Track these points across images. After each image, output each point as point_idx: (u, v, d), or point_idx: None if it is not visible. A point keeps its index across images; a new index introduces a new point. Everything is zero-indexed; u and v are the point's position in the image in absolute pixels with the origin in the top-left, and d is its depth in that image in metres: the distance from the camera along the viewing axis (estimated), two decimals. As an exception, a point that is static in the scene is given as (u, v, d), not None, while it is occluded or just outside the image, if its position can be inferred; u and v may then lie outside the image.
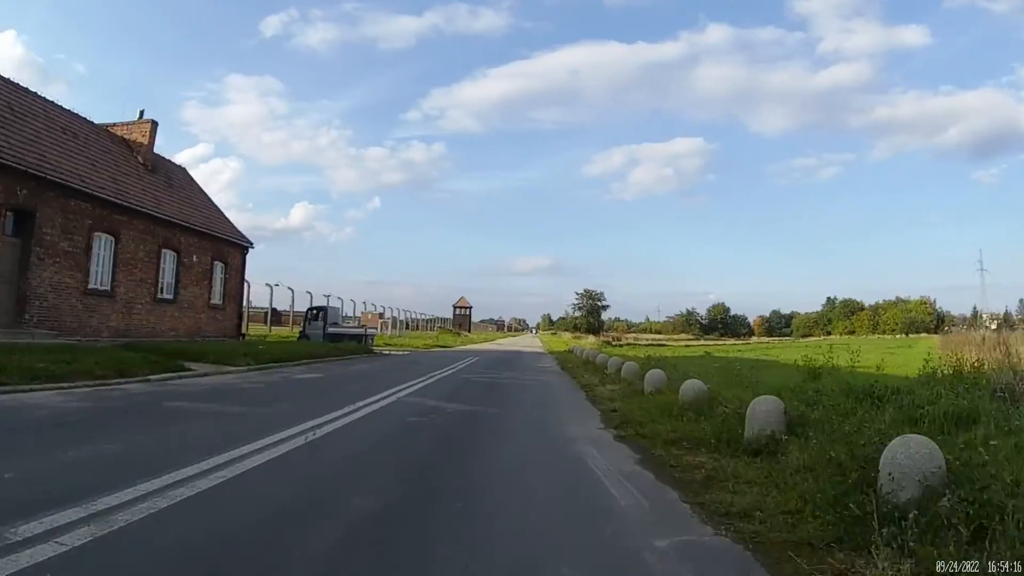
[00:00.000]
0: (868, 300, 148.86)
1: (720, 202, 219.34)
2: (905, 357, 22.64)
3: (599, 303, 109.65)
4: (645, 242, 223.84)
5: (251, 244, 31.34)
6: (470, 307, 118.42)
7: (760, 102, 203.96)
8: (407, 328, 72.58)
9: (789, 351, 59.52)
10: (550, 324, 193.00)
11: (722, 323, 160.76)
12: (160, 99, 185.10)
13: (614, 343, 60.37)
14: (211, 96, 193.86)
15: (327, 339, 30.49)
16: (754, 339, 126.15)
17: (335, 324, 32.12)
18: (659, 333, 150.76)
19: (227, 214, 30.43)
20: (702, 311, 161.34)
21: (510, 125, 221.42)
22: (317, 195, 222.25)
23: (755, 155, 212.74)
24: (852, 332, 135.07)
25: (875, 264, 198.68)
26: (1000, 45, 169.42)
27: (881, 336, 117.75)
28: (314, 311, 32.52)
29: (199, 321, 27.07)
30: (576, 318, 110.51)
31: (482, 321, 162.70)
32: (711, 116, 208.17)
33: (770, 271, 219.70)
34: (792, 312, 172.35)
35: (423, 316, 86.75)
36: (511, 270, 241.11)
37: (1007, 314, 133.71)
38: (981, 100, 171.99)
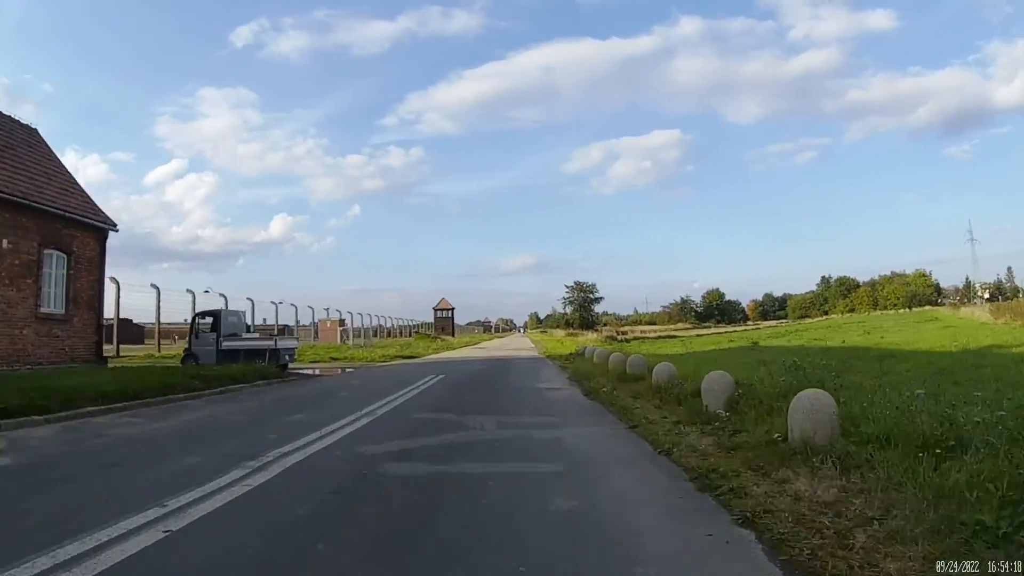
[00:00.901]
0: (861, 277, 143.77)
1: (700, 191, 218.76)
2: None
3: (591, 295, 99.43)
4: (628, 235, 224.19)
5: (114, 226, 21.26)
6: (452, 309, 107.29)
7: (735, 91, 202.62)
8: (383, 336, 62.17)
9: (821, 332, 49.75)
10: (538, 322, 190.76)
11: (718, 309, 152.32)
12: (131, 116, 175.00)
13: (620, 338, 49.99)
14: (184, 110, 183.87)
15: (221, 358, 20.11)
16: (764, 323, 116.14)
17: (233, 336, 21.40)
18: (653, 324, 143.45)
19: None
20: (689, 299, 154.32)
21: (488, 126, 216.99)
22: (296, 206, 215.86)
23: (732, 144, 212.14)
24: (852, 310, 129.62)
25: (857, 243, 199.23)
26: (965, 25, 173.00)
27: (884, 312, 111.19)
28: (204, 318, 21.79)
29: (18, 340, 17.07)
30: (568, 314, 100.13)
31: (469, 324, 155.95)
32: (687, 107, 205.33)
33: (753, 256, 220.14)
34: (785, 294, 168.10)
35: (407, 322, 77.33)
36: (496, 271, 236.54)
37: (999, 283, 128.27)
38: (949, 79, 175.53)
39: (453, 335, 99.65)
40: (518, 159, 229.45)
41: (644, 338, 53.03)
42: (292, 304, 48.48)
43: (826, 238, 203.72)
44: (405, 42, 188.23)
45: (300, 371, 23.24)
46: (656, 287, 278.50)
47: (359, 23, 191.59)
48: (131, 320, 47.99)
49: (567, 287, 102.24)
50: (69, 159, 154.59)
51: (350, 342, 48.15)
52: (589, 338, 48.57)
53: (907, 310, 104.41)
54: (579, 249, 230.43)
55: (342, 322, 51.65)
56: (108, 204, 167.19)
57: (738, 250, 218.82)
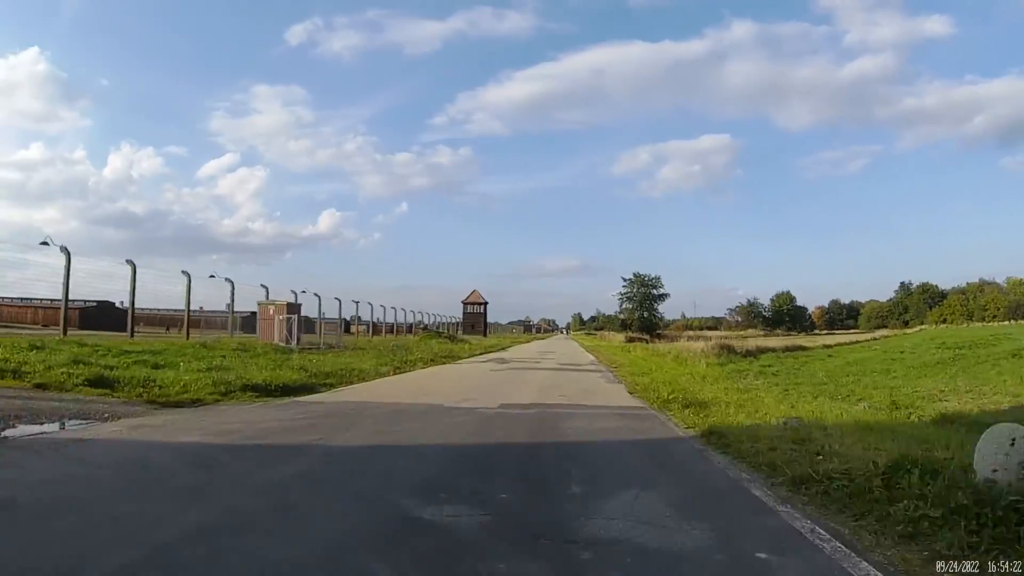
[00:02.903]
0: (941, 285, 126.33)
1: (748, 197, 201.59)
2: None
3: (654, 291, 76.69)
4: (674, 239, 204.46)
5: None
6: (484, 303, 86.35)
7: (786, 97, 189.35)
8: (379, 332, 42.32)
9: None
10: (581, 324, 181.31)
11: (788, 315, 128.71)
12: (186, 111, 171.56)
13: (740, 352, 28.00)
14: (237, 106, 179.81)
15: None
16: (853, 333, 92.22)
17: None
18: (713, 329, 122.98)
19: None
20: (756, 302, 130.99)
21: (536, 127, 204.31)
22: (344, 202, 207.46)
23: (782, 149, 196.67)
24: (944, 321, 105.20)
25: (913, 251, 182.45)
26: (1022, 33, 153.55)
27: (986, 324, 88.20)
28: None
29: None
30: (626, 313, 77.87)
31: (510, 323, 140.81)
32: (737, 112, 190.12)
33: (802, 264, 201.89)
34: (852, 301, 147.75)
35: (439, 318, 60.09)
36: (539, 272, 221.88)
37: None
38: (1005, 88, 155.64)
39: (485, 334, 78.61)
40: (565, 160, 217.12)
41: (770, 351, 31.19)
42: (227, 279, 29.05)
43: (879, 246, 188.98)
44: (456, 42, 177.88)
45: None
46: (699, 293, 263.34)
47: (411, 23, 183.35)
48: (112, 303, 37.06)
49: (624, 280, 79.85)
50: (124, 152, 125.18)
51: (295, 342, 27.45)
52: (691, 348, 26.82)
53: (1011, 322, 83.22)
54: (624, 252, 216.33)
55: (293, 308, 30.74)
56: (161, 196, 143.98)
57: (783, 258, 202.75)
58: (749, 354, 28.32)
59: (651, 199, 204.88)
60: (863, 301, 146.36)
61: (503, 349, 38.89)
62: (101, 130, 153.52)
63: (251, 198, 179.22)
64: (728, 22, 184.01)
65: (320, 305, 33.70)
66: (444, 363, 23.68)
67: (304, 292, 32.54)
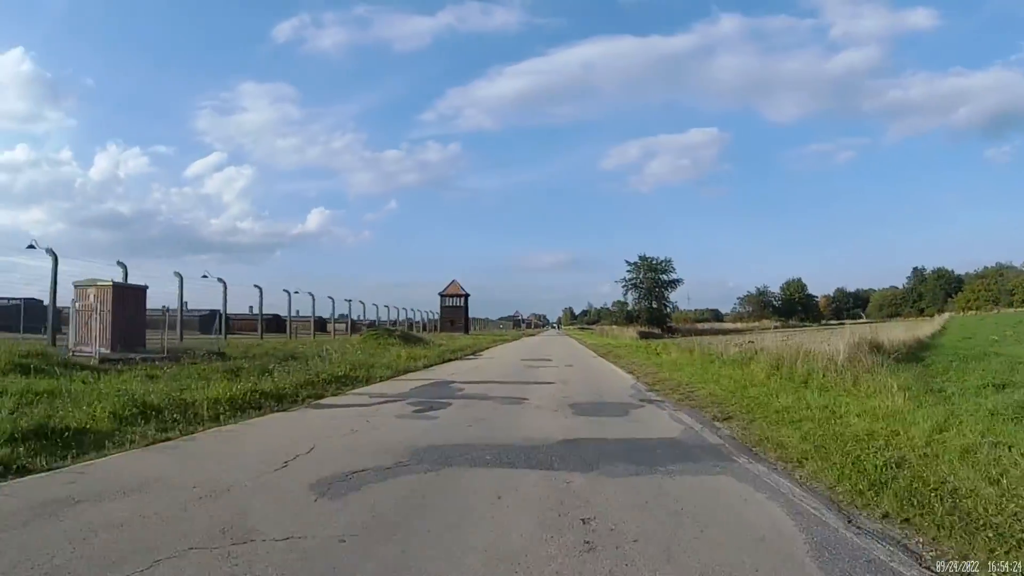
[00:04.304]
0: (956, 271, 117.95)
1: (736, 190, 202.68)
2: None
3: (663, 276, 63.36)
4: (663, 233, 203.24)
5: None
6: (464, 295, 72.92)
7: (774, 90, 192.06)
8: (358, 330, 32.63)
9: None
10: (572, 318, 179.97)
11: (800, 304, 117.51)
12: (172, 109, 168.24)
13: (890, 353, 14.96)
14: (224, 105, 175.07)
15: None
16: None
17: None
18: (719, 321, 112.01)
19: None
20: (766, 290, 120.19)
21: (526, 122, 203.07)
22: (333, 199, 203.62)
23: (769, 142, 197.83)
24: (970, 308, 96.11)
25: (903, 243, 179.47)
26: (1007, 25, 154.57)
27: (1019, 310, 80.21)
28: None
29: None
30: (631, 304, 64.74)
31: (500, 319, 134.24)
32: (725, 106, 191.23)
33: (788, 255, 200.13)
34: (857, 289, 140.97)
35: (427, 315, 58.53)
36: (530, 266, 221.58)
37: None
38: (990, 80, 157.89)
39: (466, 331, 65.53)
40: (555, 156, 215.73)
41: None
42: (48, 250, 16.93)
43: (873, 235, 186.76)
44: (445, 38, 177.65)
45: None
46: (692, 286, 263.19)
47: (399, 18, 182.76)
48: (40, 301, 32.73)
49: (629, 264, 66.70)
50: (111, 152, 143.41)
51: (97, 347, 14.20)
52: (813, 353, 13.48)
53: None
54: (614, 246, 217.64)
55: (123, 291, 17.07)
56: (148, 196, 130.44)
57: (775, 248, 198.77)
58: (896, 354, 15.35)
59: (641, 193, 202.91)
60: (865, 289, 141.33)
61: (474, 354, 25.63)
62: (87, 130, 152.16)
63: (239, 197, 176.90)
64: (716, 16, 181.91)
65: (314, 304, 31.71)
66: (310, 403, 10.43)
67: (205, 277, 23.94)
